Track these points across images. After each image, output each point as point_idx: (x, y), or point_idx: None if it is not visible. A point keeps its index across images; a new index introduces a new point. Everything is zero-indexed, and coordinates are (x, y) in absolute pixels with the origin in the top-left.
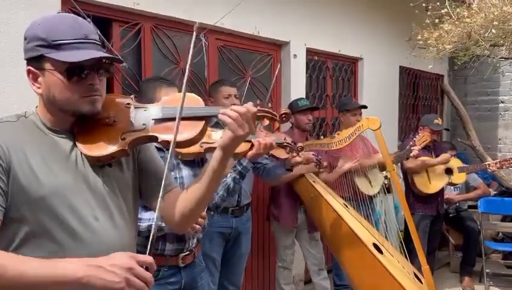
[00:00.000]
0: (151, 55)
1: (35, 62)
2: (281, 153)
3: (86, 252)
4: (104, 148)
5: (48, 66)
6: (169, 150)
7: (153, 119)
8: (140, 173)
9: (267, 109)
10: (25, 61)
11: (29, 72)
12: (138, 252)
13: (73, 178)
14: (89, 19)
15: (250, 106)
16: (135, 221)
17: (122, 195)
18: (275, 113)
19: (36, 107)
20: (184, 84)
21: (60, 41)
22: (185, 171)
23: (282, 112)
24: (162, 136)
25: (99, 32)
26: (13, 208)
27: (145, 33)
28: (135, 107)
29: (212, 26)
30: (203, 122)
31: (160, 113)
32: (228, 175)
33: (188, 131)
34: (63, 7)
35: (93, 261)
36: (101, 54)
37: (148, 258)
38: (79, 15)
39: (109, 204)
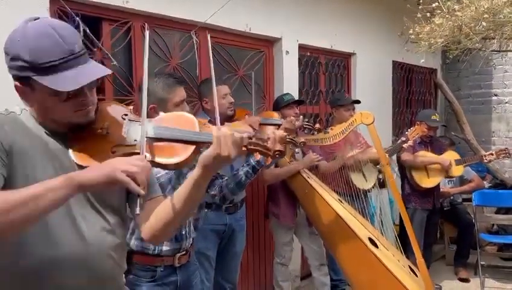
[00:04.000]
0: (142, 53)
1: (23, 80)
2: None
3: (69, 248)
4: (91, 159)
5: (38, 87)
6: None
7: (145, 137)
8: None
9: (260, 143)
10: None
11: (16, 87)
12: (129, 253)
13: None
14: (78, 18)
15: (238, 133)
16: (124, 224)
17: (110, 198)
18: (268, 147)
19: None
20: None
21: (47, 64)
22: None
23: (277, 148)
24: (150, 156)
25: (87, 30)
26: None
27: (135, 31)
28: (129, 120)
29: (203, 23)
30: (194, 146)
31: (153, 132)
32: (240, 168)
33: (178, 154)
34: (52, 7)
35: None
36: (94, 75)
37: (139, 156)
38: (67, 15)
39: (97, 206)
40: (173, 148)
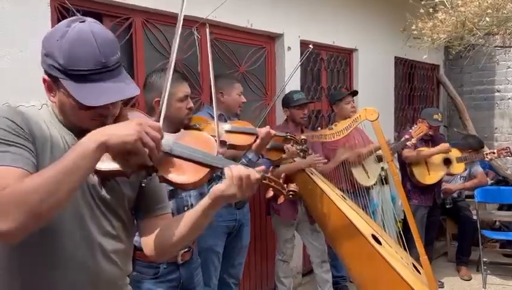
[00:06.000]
0: (143, 49)
1: (52, 77)
2: (273, 155)
3: (72, 250)
4: (105, 163)
5: (62, 88)
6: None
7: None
8: (140, 189)
9: (276, 180)
10: (13, 54)
11: (44, 80)
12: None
13: None
14: (78, 14)
15: (254, 173)
16: (131, 231)
17: (117, 204)
18: (283, 186)
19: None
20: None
21: (76, 72)
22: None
23: (291, 188)
24: (162, 172)
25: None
26: None
27: (136, 28)
28: None
29: (204, 19)
30: (208, 170)
31: (170, 148)
32: None
33: (189, 175)
34: (53, 2)
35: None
36: (119, 95)
37: (156, 124)
38: (68, 10)
39: (103, 210)
40: (186, 168)
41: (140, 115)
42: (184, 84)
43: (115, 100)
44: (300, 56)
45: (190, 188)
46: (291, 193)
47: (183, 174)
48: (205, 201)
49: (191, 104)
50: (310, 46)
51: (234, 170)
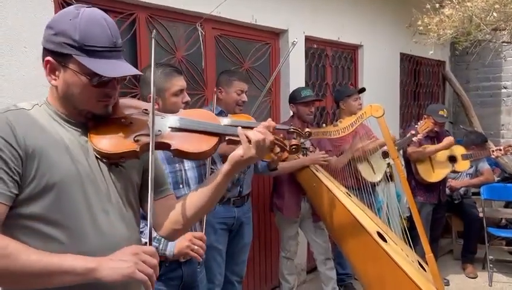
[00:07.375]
0: (147, 45)
1: (59, 56)
2: (268, 156)
3: (89, 244)
4: (115, 146)
5: (73, 66)
6: (150, 149)
7: (169, 127)
8: (143, 175)
9: (278, 137)
10: (17, 50)
11: (47, 62)
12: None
13: (84, 170)
14: None
15: (269, 134)
16: (138, 221)
17: (127, 192)
18: (285, 143)
19: (47, 97)
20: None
21: (92, 48)
22: (188, 164)
23: (293, 143)
24: (175, 145)
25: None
26: (28, 191)
27: (140, 23)
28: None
29: (208, 15)
30: (217, 138)
31: (178, 122)
32: None
33: (201, 145)
34: None
35: (99, 257)
36: (133, 70)
37: (151, 248)
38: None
39: (116, 200)
40: (197, 139)
41: (136, 101)
42: (178, 78)
43: (129, 74)
44: (305, 53)
45: (203, 157)
46: (293, 146)
47: (196, 144)
48: (225, 168)
49: (187, 98)
50: (295, 40)
51: (252, 134)
